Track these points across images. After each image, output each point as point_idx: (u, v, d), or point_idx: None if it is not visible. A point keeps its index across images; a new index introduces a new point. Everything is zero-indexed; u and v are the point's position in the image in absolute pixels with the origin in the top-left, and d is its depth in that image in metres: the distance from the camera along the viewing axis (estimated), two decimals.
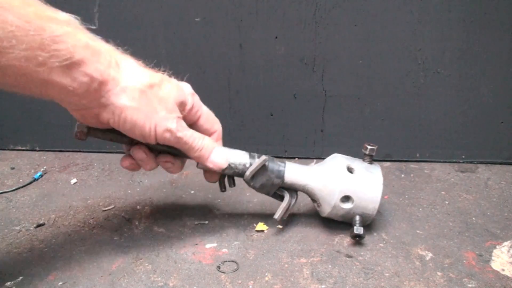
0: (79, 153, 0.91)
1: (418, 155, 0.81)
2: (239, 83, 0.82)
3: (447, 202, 0.68)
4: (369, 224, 0.62)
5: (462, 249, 0.57)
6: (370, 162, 0.61)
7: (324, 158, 0.84)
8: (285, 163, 0.60)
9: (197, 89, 0.82)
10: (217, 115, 0.84)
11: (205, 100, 0.83)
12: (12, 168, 0.85)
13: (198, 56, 0.81)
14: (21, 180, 0.80)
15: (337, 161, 0.60)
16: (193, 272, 0.54)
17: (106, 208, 0.69)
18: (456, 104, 0.77)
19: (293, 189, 0.61)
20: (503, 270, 0.53)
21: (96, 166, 0.85)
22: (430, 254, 0.56)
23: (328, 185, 0.58)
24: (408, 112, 0.79)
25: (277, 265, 0.55)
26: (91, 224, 0.65)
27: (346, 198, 0.58)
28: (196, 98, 0.57)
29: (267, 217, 0.65)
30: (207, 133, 0.58)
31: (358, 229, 0.56)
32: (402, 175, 0.77)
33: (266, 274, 0.53)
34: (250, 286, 0.51)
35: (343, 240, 0.59)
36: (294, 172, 0.60)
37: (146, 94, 0.49)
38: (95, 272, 0.54)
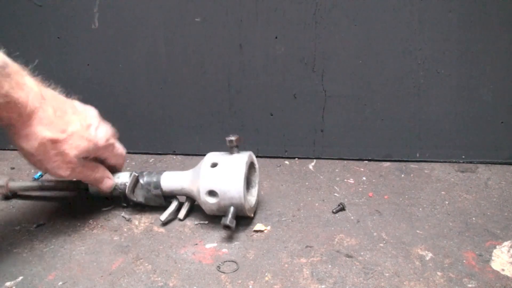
0: None
1: (418, 155, 0.81)
2: (239, 83, 0.82)
3: (447, 202, 0.68)
4: (367, 224, 0.62)
5: (462, 249, 0.57)
6: (237, 152, 0.63)
7: (324, 158, 0.85)
8: (162, 173, 0.66)
9: (197, 89, 0.83)
10: (217, 115, 0.84)
11: (205, 100, 0.84)
12: (12, 168, 0.85)
13: (198, 56, 0.81)
14: (21, 180, 0.79)
15: (204, 159, 0.63)
16: (193, 272, 0.54)
17: (106, 208, 0.69)
18: (456, 104, 0.77)
19: (175, 195, 0.66)
20: (503, 270, 0.53)
21: None
22: (430, 254, 0.56)
23: (196, 183, 0.61)
24: (408, 112, 0.79)
25: (277, 265, 0.55)
26: (91, 224, 0.65)
27: (211, 193, 0.60)
28: (111, 142, 0.63)
29: (266, 217, 0.65)
30: (112, 166, 0.66)
31: (225, 220, 0.58)
32: (402, 175, 0.77)
33: (266, 274, 0.53)
34: (250, 286, 0.51)
35: (343, 240, 0.59)
36: (169, 180, 0.65)
37: (45, 146, 0.54)
38: (95, 272, 0.54)
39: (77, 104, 0.61)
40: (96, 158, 0.63)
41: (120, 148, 0.67)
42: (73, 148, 0.56)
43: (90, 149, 0.59)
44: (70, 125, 0.56)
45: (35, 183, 0.71)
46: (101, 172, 0.64)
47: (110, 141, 0.63)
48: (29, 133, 0.53)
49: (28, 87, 0.52)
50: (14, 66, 0.51)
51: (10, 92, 0.49)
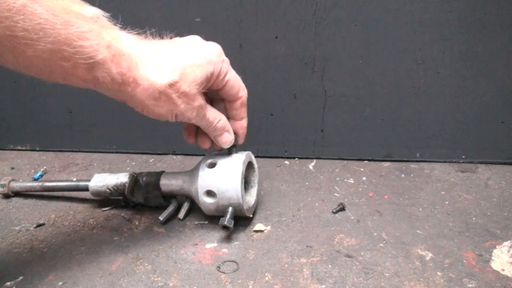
0: (79, 153, 0.91)
1: (418, 155, 0.81)
2: None
3: (447, 202, 0.68)
4: (367, 224, 0.62)
5: (462, 249, 0.57)
6: (235, 152, 0.63)
7: (324, 158, 0.85)
8: (161, 173, 0.65)
9: None
10: None
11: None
12: (12, 168, 0.85)
13: None
14: (21, 180, 0.79)
15: (202, 159, 0.63)
16: (193, 272, 0.54)
17: (106, 208, 0.69)
18: (456, 104, 0.77)
19: (174, 195, 0.65)
20: (503, 270, 0.53)
21: (96, 166, 0.85)
22: (430, 254, 0.56)
23: (194, 183, 0.61)
24: (408, 112, 0.79)
25: (277, 265, 0.55)
26: (91, 224, 0.65)
27: (209, 193, 0.60)
28: (225, 65, 0.57)
29: (266, 217, 0.65)
30: (232, 98, 0.60)
31: (223, 220, 0.58)
32: (402, 175, 0.77)
33: (266, 274, 0.53)
34: (250, 286, 0.51)
35: (343, 240, 0.59)
36: (168, 180, 0.65)
37: (165, 93, 0.50)
38: (95, 272, 0.54)
39: (187, 39, 0.57)
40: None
41: (236, 77, 0.60)
42: (192, 82, 0.52)
43: (205, 74, 0.53)
44: (179, 62, 0.52)
45: (36, 184, 0.72)
46: (224, 122, 0.59)
47: (224, 61, 0.57)
48: (145, 87, 0.49)
49: (125, 36, 0.49)
50: (106, 20, 0.47)
51: (112, 43, 0.45)
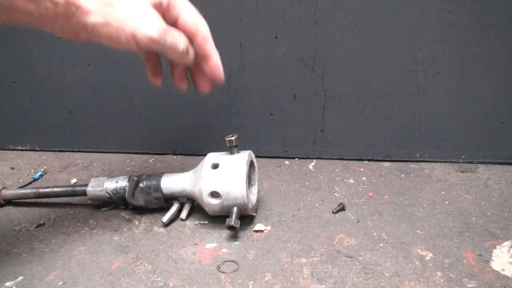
0: (79, 153, 0.91)
1: (418, 155, 0.81)
2: (239, 83, 0.82)
3: (447, 202, 0.68)
4: (367, 224, 0.62)
5: (462, 249, 0.57)
6: (237, 152, 0.63)
7: (324, 158, 0.85)
8: (161, 176, 0.65)
9: None
10: (217, 115, 0.84)
11: (205, 100, 0.84)
12: (12, 168, 0.85)
13: None
14: (21, 180, 0.80)
15: (205, 160, 0.62)
16: (193, 272, 0.54)
17: (106, 208, 0.69)
18: (456, 104, 0.77)
19: (175, 197, 0.65)
20: (503, 270, 0.53)
21: (96, 166, 0.85)
22: (430, 254, 0.56)
23: (198, 185, 0.61)
24: (408, 112, 0.79)
25: (277, 265, 0.55)
26: (91, 224, 0.65)
27: (214, 194, 0.60)
28: None
29: (266, 217, 0.65)
30: (191, 35, 0.52)
31: (229, 220, 0.58)
32: (402, 175, 0.77)
33: (266, 274, 0.53)
34: (250, 286, 0.51)
35: (343, 240, 0.59)
36: (169, 182, 0.65)
37: (112, 5, 0.46)
38: (95, 272, 0.54)
39: None
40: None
41: (192, 9, 0.52)
42: None
43: None
44: None
45: (30, 191, 0.69)
46: (187, 39, 0.51)
47: None
48: (89, 2, 0.45)
49: None
50: None
51: None
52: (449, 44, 0.74)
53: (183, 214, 0.65)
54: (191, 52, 0.52)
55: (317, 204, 0.68)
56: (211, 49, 0.54)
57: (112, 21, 0.46)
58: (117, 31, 0.46)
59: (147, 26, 0.46)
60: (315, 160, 0.84)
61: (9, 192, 0.71)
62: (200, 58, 0.54)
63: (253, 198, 0.65)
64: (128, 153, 0.90)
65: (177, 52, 0.50)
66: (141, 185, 0.65)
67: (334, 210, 0.66)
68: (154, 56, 0.56)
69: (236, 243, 0.60)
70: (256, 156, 0.71)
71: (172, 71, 0.57)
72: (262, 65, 0.80)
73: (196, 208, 0.68)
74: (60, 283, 0.53)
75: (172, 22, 0.51)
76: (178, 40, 0.50)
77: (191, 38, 0.52)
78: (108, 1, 0.46)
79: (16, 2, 0.42)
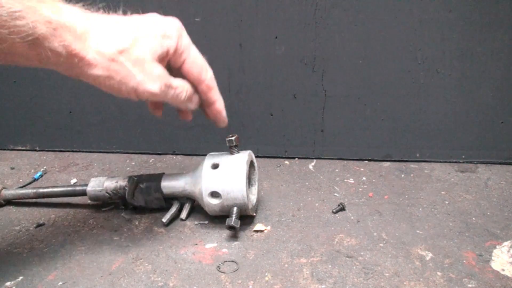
0: (79, 153, 0.91)
1: (418, 155, 0.81)
2: (239, 83, 0.82)
3: (447, 202, 0.68)
4: (367, 224, 0.62)
5: (462, 249, 0.57)
6: (237, 152, 0.63)
7: (324, 158, 0.85)
8: (161, 176, 0.65)
9: None
10: None
11: None
12: (12, 168, 0.85)
13: None
14: (21, 180, 0.80)
15: (205, 160, 0.62)
16: (193, 272, 0.54)
17: (106, 208, 0.69)
18: (456, 104, 0.77)
19: (175, 197, 0.65)
20: (503, 270, 0.53)
21: (96, 166, 0.85)
22: (430, 254, 0.56)
23: (198, 185, 0.61)
24: (408, 112, 0.79)
25: (277, 265, 0.55)
26: (91, 224, 0.65)
27: (214, 194, 0.60)
28: (184, 41, 0.53)
29: (266, 217, 0.65)
30: (196, 80, 0.55)
31: (229, 220, 0.58)
32: (402, 175, 0.77)
33: (266, 274, 0.53)
34: (250, 286, 0.51)
35: (343, 240, 0.59)
36: (169, 182, 0.65)
37: (116, 61, 0.47)
38: (95, 272, 0.54)
39: (144, 15, 0.53)
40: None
41: (198, 56, 0.55)
42: (145, 49, 0.48)
43: (162, 48, 0.50)
44: (131, 32, 0.49)
45: (30, 191, 0.70)
46: (191, 88, 0.54)
47: (181, 37, 0.53)
48: (93, 56, 0.46)
49: (68, 9, 0.45)
50: None
51: (52, 17, 0.43)
52: (449, 44, 0.74)
53: (183, 214, 0.65)
54: (195, 99, 0.55)
55: (317, 204, 0.68)
56: (215, 96, 0.56)
57: (115, 75, 0.47)
58: (119, 85, 0.48)
59: (149, 83, 0.48)
60: (315, 160, 0.84)
61: (9, 192, 0.70)
62: (205, 103, 0.57)
63: (253, 198, 0.65)
64: (128, 153, 0.90)
65: (178, 101, 0.53)
66: (141, 185, 0.65)
67: (334, 210, 0.66)
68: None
69: (236, 243, 0.60)
70: (256, 156, 0.71)
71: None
72: (262, 65, 0.80)
73: (196, 208, 0.68)
74: (60, 283, 0.53)
75: (178, 66, 0.53)
76: (180, 91, 0.52)
77: (195, 85, 0.55)
78: (113, 55, 0.47)
79: (16, 48, 0.42)
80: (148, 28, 0.50)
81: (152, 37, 0.49)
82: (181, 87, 0.52)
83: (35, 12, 0.42)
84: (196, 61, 0.54)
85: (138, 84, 0.48)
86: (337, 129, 0.82)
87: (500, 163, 0.79)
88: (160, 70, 0.49)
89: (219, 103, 0.57)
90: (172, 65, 0.53)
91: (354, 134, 0.82)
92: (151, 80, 0.48)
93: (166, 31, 0.51)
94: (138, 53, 0.48)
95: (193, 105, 0.55)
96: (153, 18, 0.52)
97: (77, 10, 0.46)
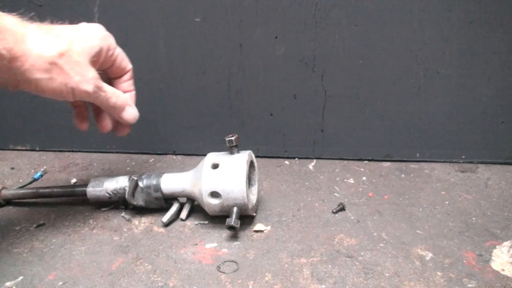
0: (79, 153, 0.91)
1: (418, 155, 0.81)
2: (239, 83, 0.82)
3: (447, 202, 0.68)
4: (367, 224, 0.62)
5: (462, 249, 0.57)
6: (237, 152, 0.63)
7: (324, 158, 0.85)
8: (161, 176, 0.65)
9: (197, 89, 0.83)
10: (217, 115, 0.84)
11: (205, 100, 0.84)
12: (12, 168, 0.85)
13: (198, 56, 0.81)
14: (21, 180, 0.80)
15: (205, 160, 0.62)
16: (193, 272, 0.54)
17: (106, 208, 0.69)
18: (456, 104, 0.77)
19: (175, 197, 0.65)
20: (503, 270, 0.53)
21: (96, 166, 0.85)
22: (430, 254, 0.56)
23: (198, 185, 0.61)
24: (408, 112, 0.79)
25: (277, 265, 0.55)
26: (91, 224, 0.65)
27: (214, 194, 0.60)
28: (111, 40, 0.58)
29: (266, 217, 0.65)
30: (122, 72, 0.62)
31: (229, 220, 0.58)
32: (402, 175, 0.77)
33: (266, 274, 0.53)
34: (250, 286, 0.51)
35: (343, 240, 0.59)
36: (169, 182, 0.65)
37: (57, 64, 0.50)
38: (95, 272, 0.54)
39: (73, 25, 0.57)
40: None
41: (122, 51, 0.61)
42: (81, 52, 0.53)
43: (95, 49, 0.54)
44: (66, 36, 0.52)
45: (30, 191, 0.70)
46: (123, 98, 0.60)
47: (109, 37, 0.58)
48: (35, 60, 0.49)
49: (6, 16, 0.49)
50: None
51: None
52: (449, 44, 0.74)
53: (183, 214, 0.65)
54: (129, 110, 0.61)
55: (317, 204, 0.68)
56: (133, 86, 0.64)
57: (56, 77, 0.51)
58: (59, 86, 0.51)
59: (85, 84, 0.53)
60: (315, 160, 0.84)
61: (9, 192, 0.70)
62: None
63: (253, 198, 0.65)
64: (128, 153, 0.90)
65: (109, 105, 0.58)
66: (141, 185, 0.65)
67: (334, 210, 0.66)
68: (83, 105, 0.62)
69: (236, 243, 0.60)
70: (256, 156, 0.71)
71: (75, 110, 0.62)
72: (262, 65, 0.80)
73: (196, 208, 0.68)
74: (60, 283, 0.53)
75: (111, 63, 0.60)
76: (110, 96, 0.57)
77: (120, 76, 0.62)
78: (53, 58, 0.50)
79: None
80: (80, 33, 0.54)
81: (85, 40, 0.54)
82: (112, 93, 0.58)
83: None
84: (123, 56, 0.61)
85: (76, 84, 0.52)
86: (337, 129, 0.82)
87: (500, 163, 0.79)
88: (93, 73, 0.54)
89: (134, 92, 0.64)
90: (104, 65, 0.59)
91: (354, 134, 0.82)
92: (85, 81, 0.53)
93: (97, 32, 0.56)
94: (76, 57, 0.52)
95: (126, 114, 0.61)
96: (81, 25, 0.57)
97: (14, 17, 0.50)
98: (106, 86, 0.57)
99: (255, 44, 0.79)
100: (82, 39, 0.53)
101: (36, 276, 0.54)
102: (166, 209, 0.65)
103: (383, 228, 0.62)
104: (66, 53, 0.51)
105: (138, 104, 0.86)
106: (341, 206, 0.66)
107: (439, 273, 0.52)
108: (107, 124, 0.63)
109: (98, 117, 0.63)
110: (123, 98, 0.60)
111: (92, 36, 0.55)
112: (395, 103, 0.79)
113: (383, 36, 0.75)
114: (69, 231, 0.64)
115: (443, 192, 0.71)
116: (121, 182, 0.66)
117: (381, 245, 0.58)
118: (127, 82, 0.63)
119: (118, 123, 0.64)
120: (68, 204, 0.71)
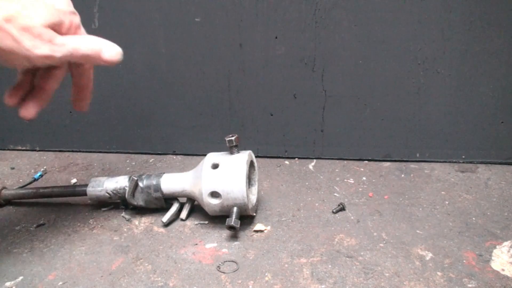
0: (79, 153, 0.91)
1: (418, 155, 0.81)
2: (239, 83, 0.82)
3: (447, 202, 0.68)
4: (367, 224, 0.62)
5: (462, 249, 0.57)
6: (237, 152, 0.63)
7: (324, 158, 0.85)
8: (161, 176, 0.65)
9: (197, 89, 0.83)
10: (217, 115, 0.84)
11: (205, 100, 0.84)
12: (12, 168, 0.85)
13: (198, 56, 0.81)
14: (21, 180, 0.80)
15: (205, 160, 0.62)
16: (193, 272, 0.54)
17: (106, 208, 0.69)
18: (456, 104, 0.77)
19: (175, 197, 0.65)
20: (503, 270, 0.53)
21: (96, 166, 0.85)
22: (430, 254, 0.56)
23: (198, 185, 0.61)
24: (408, 112, 0.79)
25: (277, 265, 0.55)
26: (91, 224, 0.65)
27: (214, 194, 0.60)
28: (76, 18, 0.53)
29: (266, 217, 0.65)
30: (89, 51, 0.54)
31: (229, 220, 0.58)
32: (402, 175, 0.77)
33: (266, 274, 0.53)
34: (250, 286, 0.51)
35: (343, 240, 0.59)
36: (169, 182, 0.65)
37: (3, 29, 0.46)
38: (95, 272, 0.54)
39: None
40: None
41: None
42: (35, 17, 0.48)
43: (54, 18, 0.49)
44: (17, 1, 0.48)
45: (30, 191, 0.69)
46: (94, 40, 0.52)
47: (75, 14, 0.53)
48: None
49: None
50: None
51: None
52: (449, 44, 0.74)
53: (183, 214, 0.65)
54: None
55: (317, 204, 0.68)
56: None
57: (3, 43, 0.46)
58: (9, 53, 0.47)
59: (41, 48, 0.48)
60: (315, 160, 0.84)
61: (9, 192, 0.70)
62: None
63: (253, 198, 0.65)
64: (128, 153, 0.90)
65: (81, 56, 0.51)
66: (141, 185, 0.65)
67: (334, 210, 0.66)
68: (29, 78, 0.59)
69: (236, 243, 0.60)
70: (256, 156, 0.71)
71: (18, 80, 0.59)
72: (262, 65, 0.80)
73: (196, 208, 0.68)
74: (60, 283, 0.53)
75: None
76: (77, 45, 0.51)
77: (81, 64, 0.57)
78: (8, 16, 0.46)
79: None
80: (36, 1, 0.49)
81: (42, 6, 0.49)
82: (77, 42, 0.51)
83: None
84: (86, 35, 0.54)
85: (28, 51, 0.48)
86: (337, 129, 0.82)
87: (500, 163, 0.79)
88: (51, 33, 0.49)
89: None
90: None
91: (354, 134, 0.82)
92: (39, 45, 0.48)
93: (55, 4, 0.51)
94: (27, 20, 0.47)
95: (106, 55, 0.53)
96: None
97: None
98: (66, 38, 0.50)
99: (255, 44, 0.79)
100: (38, 5, 0.49)
101: (36, 276, 0.54)
102: (166, 209, 0.65)
103: (383, 228, 0.62)
104: (15, 18, 0.46)
105: (138, 104, 0.87)
106: (341, 206, 0.66)
107: (439, 273, 0.52)
108: (31, 108, 0.61)
109: (27, 98, 0.60)
110: (93, 40, 0.53)
111: (49, 5, 0.49)
112: (395, 103, 0.79)
113: (383, 36, 0.75)
114: (69, 231, 0.64)
115: (443, 192, 0.71)
116: (121, 182, 0.66)
117: (381, 245, 0.58)
118: (89, 71, 0.59)
119: (78, 95, 0.60)
120: (68, 204, 0.71)
